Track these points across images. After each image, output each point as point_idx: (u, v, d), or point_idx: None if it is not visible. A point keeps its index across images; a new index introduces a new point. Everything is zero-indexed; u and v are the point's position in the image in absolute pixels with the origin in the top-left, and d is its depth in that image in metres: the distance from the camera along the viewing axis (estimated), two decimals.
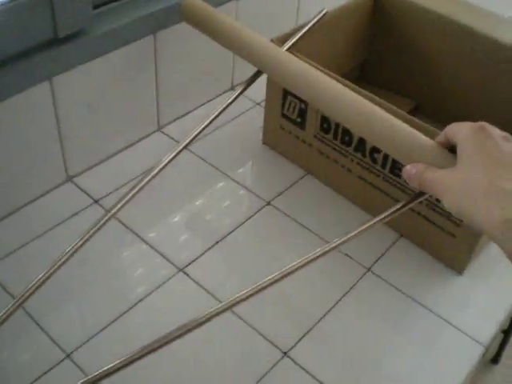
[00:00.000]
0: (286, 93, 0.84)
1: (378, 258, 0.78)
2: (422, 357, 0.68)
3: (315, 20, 0.85)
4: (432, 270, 0.77)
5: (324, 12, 0.86)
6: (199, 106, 0.99)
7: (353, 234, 0.58)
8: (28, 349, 0.65)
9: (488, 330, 0.71)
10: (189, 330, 0.53)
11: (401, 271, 0.77)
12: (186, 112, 0.98)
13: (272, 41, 0.79)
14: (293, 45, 0.80)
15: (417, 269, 0.78)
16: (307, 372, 0.65)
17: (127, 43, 0.81)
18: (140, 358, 0.53)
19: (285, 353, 0.67)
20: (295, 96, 0.82)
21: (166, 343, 0.53)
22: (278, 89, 0.85)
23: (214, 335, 0.67)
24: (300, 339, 0.68)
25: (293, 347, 0.67)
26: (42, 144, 0.78)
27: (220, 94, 1.02)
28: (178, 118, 0.97)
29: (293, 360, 0.66)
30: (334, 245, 0.57)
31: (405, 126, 0.60)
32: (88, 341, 0.66)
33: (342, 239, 0.58)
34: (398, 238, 0.81)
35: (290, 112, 0.85)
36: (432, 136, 0.58)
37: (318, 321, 0.70)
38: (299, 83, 0.70)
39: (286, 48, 0.78)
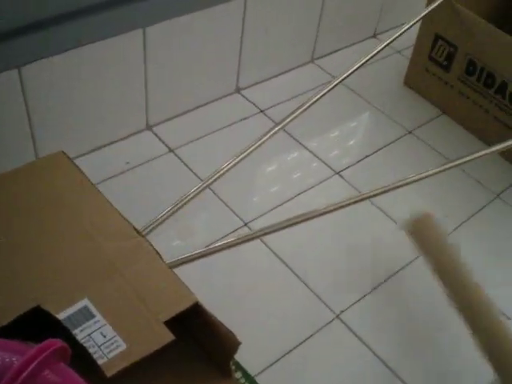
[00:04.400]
0: (437, 37, 0.95)
1: (507, 188, 0.89)
2: None
3: None
4: None
5: None
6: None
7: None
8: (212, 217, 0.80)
9: None
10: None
11: None
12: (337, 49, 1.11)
13: None
14: None
15: None
16: None
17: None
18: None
19: None
20: (446, 40, 0.93)
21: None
22: (430, 33, 0.96)
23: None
24: None
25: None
26: (218, 58, 0.91)
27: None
28: (332, 53, 1.09)
29: None
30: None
31: None
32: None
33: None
34: None
35: (438, 55, 0.96)
36: None
37: None
38: None
39: None
